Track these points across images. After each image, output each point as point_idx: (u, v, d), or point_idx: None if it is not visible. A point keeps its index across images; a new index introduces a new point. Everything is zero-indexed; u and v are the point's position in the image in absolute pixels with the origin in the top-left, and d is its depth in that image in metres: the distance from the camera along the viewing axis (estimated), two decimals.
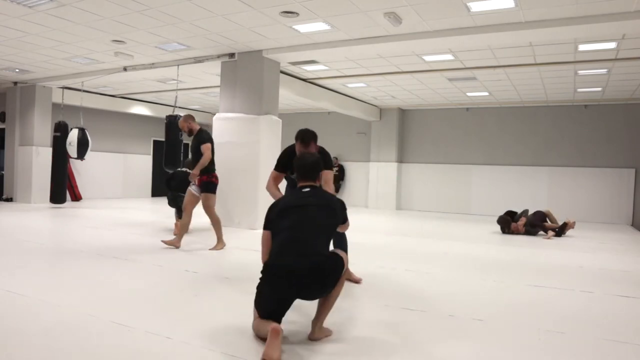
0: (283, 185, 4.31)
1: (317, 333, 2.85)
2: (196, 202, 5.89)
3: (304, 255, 2.77)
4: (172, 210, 8.18)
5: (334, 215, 3.05)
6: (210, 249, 5.86)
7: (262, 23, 6.70)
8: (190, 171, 6.06)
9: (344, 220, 3.17)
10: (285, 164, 3.76)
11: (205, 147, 5.67)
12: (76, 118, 11.90)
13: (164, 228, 7.96)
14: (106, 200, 13.72)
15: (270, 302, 2.77)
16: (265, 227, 3.04)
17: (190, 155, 6.21)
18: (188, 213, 5.88)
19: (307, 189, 3.08)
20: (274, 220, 2.99)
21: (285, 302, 2.78)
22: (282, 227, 2.91)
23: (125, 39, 7.68)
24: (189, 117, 5.95)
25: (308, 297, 2.84)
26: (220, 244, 5.92)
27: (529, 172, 12.48)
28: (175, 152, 8.66)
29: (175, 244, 5.84)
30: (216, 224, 5.92)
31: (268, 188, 3.71)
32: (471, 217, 12.12)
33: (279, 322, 2.69)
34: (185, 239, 6.09)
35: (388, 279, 4.62)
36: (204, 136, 5.82)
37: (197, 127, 5.91)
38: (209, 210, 5.85)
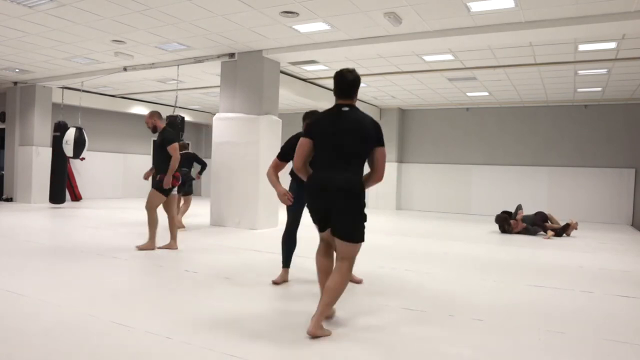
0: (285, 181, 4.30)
1: (315, 329, 2.86)
2: (173, 202, 5.96)
3: (333, 179, 2.94)
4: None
5: (367, 139, 2.99)
6: (139, 248, 5.74)
7: (262, 23, 6.70)
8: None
9: (378, 141, 3.02)
10: (290, 154, 3.65)
11: (172, 149, 5.58)
12: (76, 118, 11.90)
13: (164, 228, 7.94)
14: (106, 200, 13.72)
15: (312, 214, 3.15)
16: (305, 135, 3.10)
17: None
18: (171, 215, 5.94)
19: (346, 109, 3.04)
20: (315, 136, 3.07)
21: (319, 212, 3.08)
22: (318, 148, 3.05)
23: (125, 39, 7.68)
24: (155, 114, 5.82)
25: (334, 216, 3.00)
26: (151, 242, 5.77)
27: (529, 172, 12.48)
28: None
29: (171, 247, 5.81)
30: (153, 223, 5.81)
31: (268, 175, 3.65)
32: (471, 217, 12.12)
33: (323, 230, 3.12)
34: (188, 238, 6.09)
35: (388, 279, 4.62)
36: (169, 136, 5.70)
37: (162, 125, 5.82)
38: (151, 206, 5.78)
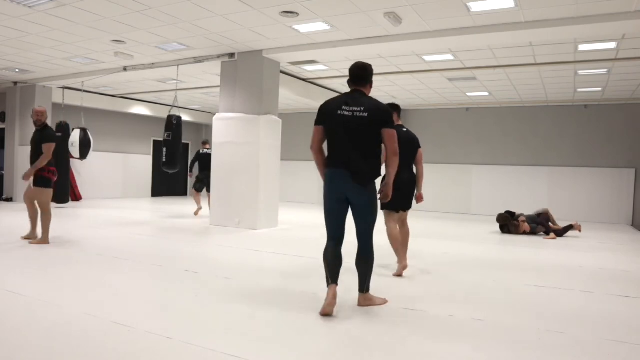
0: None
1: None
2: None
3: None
4: (171, 210, 8.19)
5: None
6: (31, 242, 5.83)
7: (262, 23, 6.70)
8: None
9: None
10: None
11: (48, 147, 5.65)
12: (76, 118, 11.90)
13: (164, 228, 7.96)
14: (106, 200, 13.72)
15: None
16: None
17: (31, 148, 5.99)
18: (29, 207, 5.95)
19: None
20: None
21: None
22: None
23: (125, 39, 7.68)
24: (42, 110, 5.96)
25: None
26: (44, 240, 5.83)
27: (529, 172, 12.48)
28: (175, 152, 8.68)
29: (43, 242, 5.83)
30: (47, 220, 5.83)
31: (312, 149, 3.51)
32: (471, 217, 12.12)
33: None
34: (188, 238, 6.08)
35: (388, 279, 4.62)
36: (49, 133, 5.80)
37: (45, 122, 5.91)
38: (43, 205, 5.79)
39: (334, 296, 3.30)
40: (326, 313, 3.26)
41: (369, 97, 3.42)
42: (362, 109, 3.29)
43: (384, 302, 3.66)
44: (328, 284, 3.38)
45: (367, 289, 3.55)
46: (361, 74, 3.45)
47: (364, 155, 3.30)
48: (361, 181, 3.30)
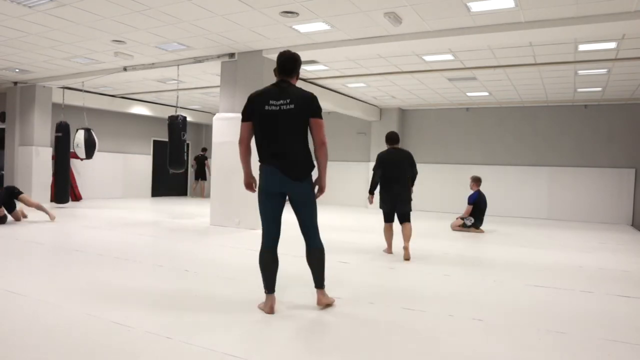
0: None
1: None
2: None
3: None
4: (171, 210, 8.20)
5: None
6: None
7: (262, 23, 6.70)
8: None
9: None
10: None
11: None
12: (76, 118, 11.91)
13: (164, 228, 7.96)
14: (106, 200, 13.72)
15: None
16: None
17: None
18: None
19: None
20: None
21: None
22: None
23: (125, 39, 7.68)
24: None
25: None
26: None
27: (529, 172, 12.48)
28: (179, 151, 8.70)
29: None
30: None
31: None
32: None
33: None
34: (187, 238, 6.06)
35: (388, 279, 4.62)
36: None
37: None
38: None
39: (272, 308, 3.31)
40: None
41: (295, 87, 3.39)
42: (288, 101, 3.26)
43: (334, 300, 3.55)
44: (267, 292, 3.36)
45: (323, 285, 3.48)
46: (291, 67, 3.44)
47: (296, 148, 3.26)
48: (298, 175, 3.26)
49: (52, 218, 8.11)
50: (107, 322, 3.05)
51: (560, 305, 3.84)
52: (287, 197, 3.40)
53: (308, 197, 3.33)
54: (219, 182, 8.40)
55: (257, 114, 3.31)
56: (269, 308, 3.31)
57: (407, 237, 5.75)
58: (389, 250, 6.04)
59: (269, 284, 3.34)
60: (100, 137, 13.73)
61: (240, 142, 3.42)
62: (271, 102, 3.28)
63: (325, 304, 3.45)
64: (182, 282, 4.26)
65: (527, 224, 10.55)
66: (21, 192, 8.01)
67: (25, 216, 8.11)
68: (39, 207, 8.03)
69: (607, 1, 5.44)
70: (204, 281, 4.33)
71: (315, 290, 3.48)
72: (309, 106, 3.28)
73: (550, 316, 3.52)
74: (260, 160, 3.37)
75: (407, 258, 5.59)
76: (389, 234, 6.02)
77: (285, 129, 3.24)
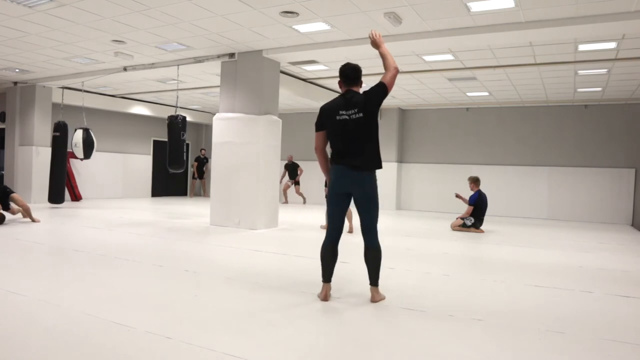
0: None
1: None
2: None
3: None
4: (171, 210, 8.20)
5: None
6: None
7: (262, 23, 6.70)
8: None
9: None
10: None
11: None
12: (76, 118, 11.91)
13: (164, 228, 7.96)
14: (106, 200, 13.72)
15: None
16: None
17: None
18: None
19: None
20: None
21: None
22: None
23: (125, 39, 7.68)
24: None
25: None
26: None
27: (529, 172, 12.48)
28: (178, 151, 8.70)
29: None
30: None
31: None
32: None
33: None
34: (187, 237, 6.06)
35: (388, 279, 4.62)
36: None
37: None
38: None
39: (326, 295, 3.70)
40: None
41: (359, 94, 3.63)
42: (356, 110, 3.51)
43: (384, 298, 3.85)
44: (324, 281, 3.72)
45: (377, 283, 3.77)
46: (355, 76, 3.68)
47: (367, 148, 3.54)
48: (366, 167, 3.54)
49: (36, 221, 8.06)
50: (107, 322, 3.05)
51: (560, 305, 3.84)
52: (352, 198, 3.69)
53: (372, 200, 3.60)
54: (219, 182, 8.40)
55: (329, 124, 3.62)
56: (323, 295, 3.69)
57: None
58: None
59: (326, 273, 3.70)
60: (100, 137, 13.74)
61: (316, 149, 3.75)
62: (341, 112, 3.56)
63: (378, 300, 3.72)
64: (182, 282, 4.26)
65: (527, 224, 10.55)
66: (13, 191, 8.03)
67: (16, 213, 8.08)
68: (26, 210, 8.00)
69: (607, 1, 5.44)
70: (204, 281, 4.32)
71: (369, 287, 3.75)
72: (372, 103, 3.52)
73: (550, 316, 3.52)
74: (332, 162, 3.67)
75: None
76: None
77: (356, 134, 3.52)
